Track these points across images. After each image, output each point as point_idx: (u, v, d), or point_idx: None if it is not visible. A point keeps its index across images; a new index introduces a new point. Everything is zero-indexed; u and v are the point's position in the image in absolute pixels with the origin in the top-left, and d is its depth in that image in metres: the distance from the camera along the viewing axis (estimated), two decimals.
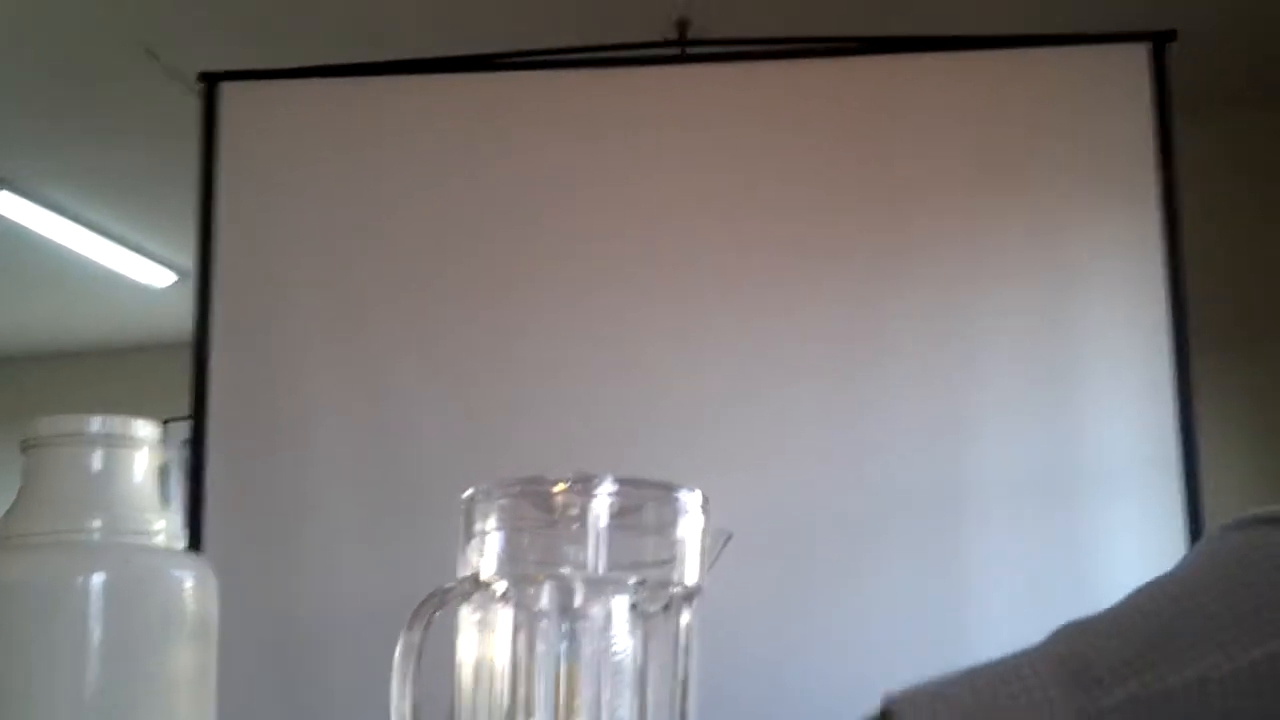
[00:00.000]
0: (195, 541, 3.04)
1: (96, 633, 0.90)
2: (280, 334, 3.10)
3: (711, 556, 1.02)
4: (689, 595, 0.99)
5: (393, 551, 2.86)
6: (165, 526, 0.97)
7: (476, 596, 0.98)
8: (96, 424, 0.96)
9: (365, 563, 2.94)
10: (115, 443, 0.96)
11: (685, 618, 0.99)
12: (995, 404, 2.96)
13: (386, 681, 0.96)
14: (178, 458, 3.69)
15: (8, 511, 0.95)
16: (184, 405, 3.11)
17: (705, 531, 1.01)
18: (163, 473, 1.00)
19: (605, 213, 3.10)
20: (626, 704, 0.96)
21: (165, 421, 3.68)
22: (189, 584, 0.95)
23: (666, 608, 0.98)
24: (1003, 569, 2.88)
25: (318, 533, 3.00)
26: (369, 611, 2.79)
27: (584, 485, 0.97)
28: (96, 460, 0.95)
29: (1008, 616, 2.81)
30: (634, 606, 0.96)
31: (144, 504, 0.96)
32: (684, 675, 0.98)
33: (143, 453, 0.98)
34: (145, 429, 0.98)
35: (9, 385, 5.65)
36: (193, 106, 3.22)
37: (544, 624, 0.97)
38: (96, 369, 5.86)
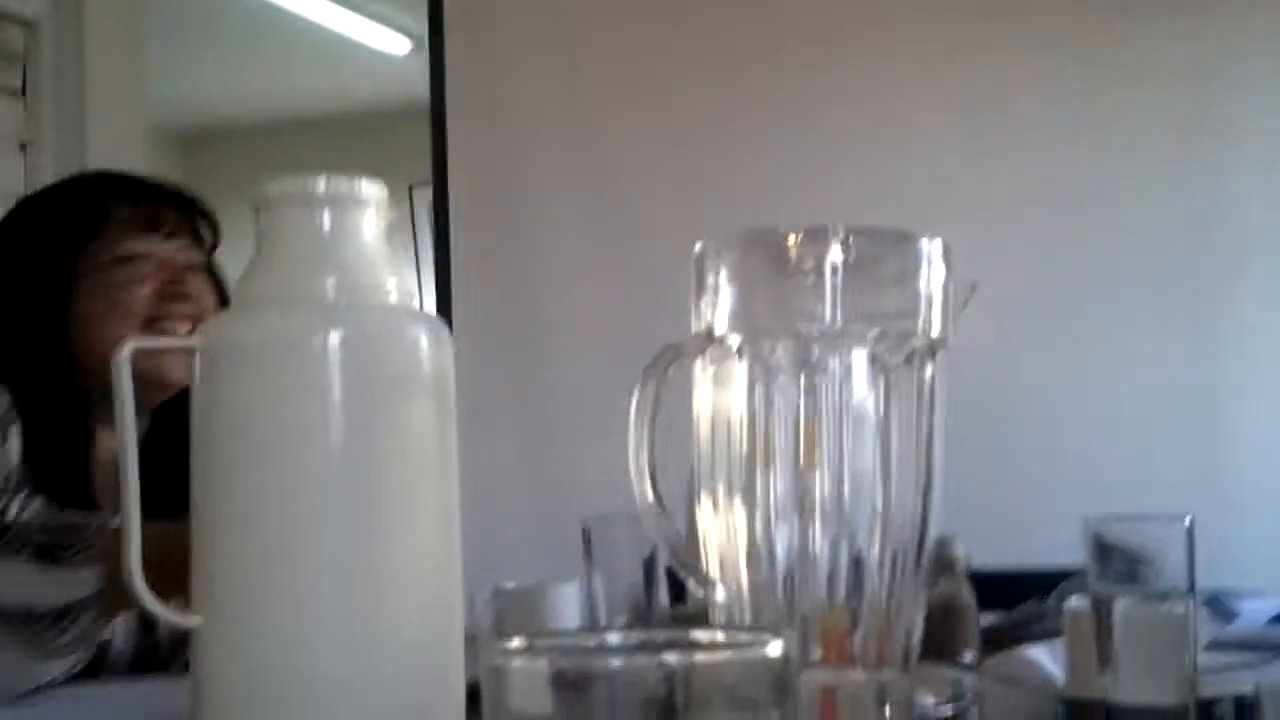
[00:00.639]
0: (444, 303, 3.11)
1: (334, 391, 0.91)
2: (509, 100, 3.09)
3: (956, 308, 0.97)
4: (932, 348, 0.95)
5: (628, 309, 2.87)
6: (398, 285, 0.96)
7: (711, 351, 0.96)
8: (322, 185, 0.95)
9: (601, 321, 2.96)
10: (342, 203, 0.95)
11: (929, 370, 0.95)
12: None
13: (625, 436, 0.96)
14: (427, 222, 3.76)
15: (242, 275, 0.96)
16: (426, 172, 3.16)
17: (948, 282, 0.96)
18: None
19: None
20: (868, 456, 0.93)
21: (410, 187, 3.77)
22: (424, 341, 0.95)
23: (909, 360, 0.94)
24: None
25: (555, 291, 3.03)
26: (608, 369, 2.82)
27: (818, 235, 0.93)
28: (325, 220, 0.95)
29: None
30: (874, 359, 0.93)
31: (375, 263, 0.96)
32: (928, 429, 0.95)
33: (370, 212, 0.97)
34: (371, 189, 0.97)
35: (248, 156, 5.81)
36: None
37: (781, 378, 0.94)
38: (335, 137, 5.98)
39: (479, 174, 3.15)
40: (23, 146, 3.09)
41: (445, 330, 0.97)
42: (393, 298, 0.96)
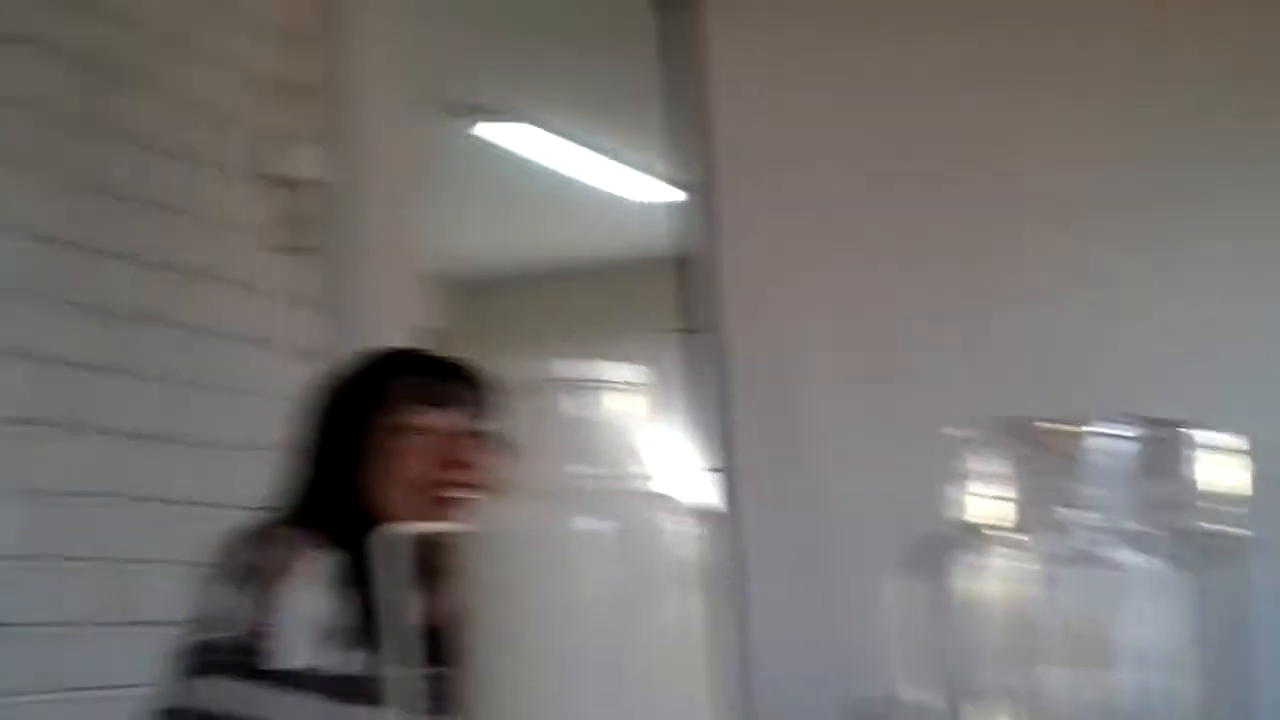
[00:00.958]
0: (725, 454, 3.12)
1: (594, 581, 0.91)
2: (776, 250, 3.12)
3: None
4: (1232, 547, 0.89)
5: (895, 486, 2.83)
6: (653, 471, 0.97)
7: (976, 540, 0.93)
8: (578, 370, 0.96)
9: (870, 495, 2.93)
10: (609, 388, 0.97)
11: (1230, 573, 0.89)
12: None
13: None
14: (682, 367, 3.79)
15: (513, 459, 0.98)
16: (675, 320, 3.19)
17: (1253, 477, 0.90)
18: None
19: None
20: (1160, 659, 0.88)
21: (674, 333, 3.75)
22: (684, 531, 0.95)
23: (1203, 558, 0.88)
24: None
25: (824, 454, 3.01)
26: (875, 542, 2.79)
27: (1088, 424, 0.89)
28: (590, 406, 0.96)
29: None
30: (1174, 558, 0.88)
31: (631, 448, 0.97)
32: (1243, 633, 0.88)
33: (636, 398, 0.98)
34: (637, 373, 0.98)
35: (519, 304, 5.97)
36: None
37: (1051, 569, 0.90)
38: (602, 285, 6.11)
39: (751, 323, 3.17)
40: (307, 303, 3.24)
41: (697, 518, 0.97)
42: (649, 484, 0.96)
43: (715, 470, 3.16)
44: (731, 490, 3.12)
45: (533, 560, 0.93)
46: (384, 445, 1.74)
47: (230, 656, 1.52)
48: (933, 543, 0.94)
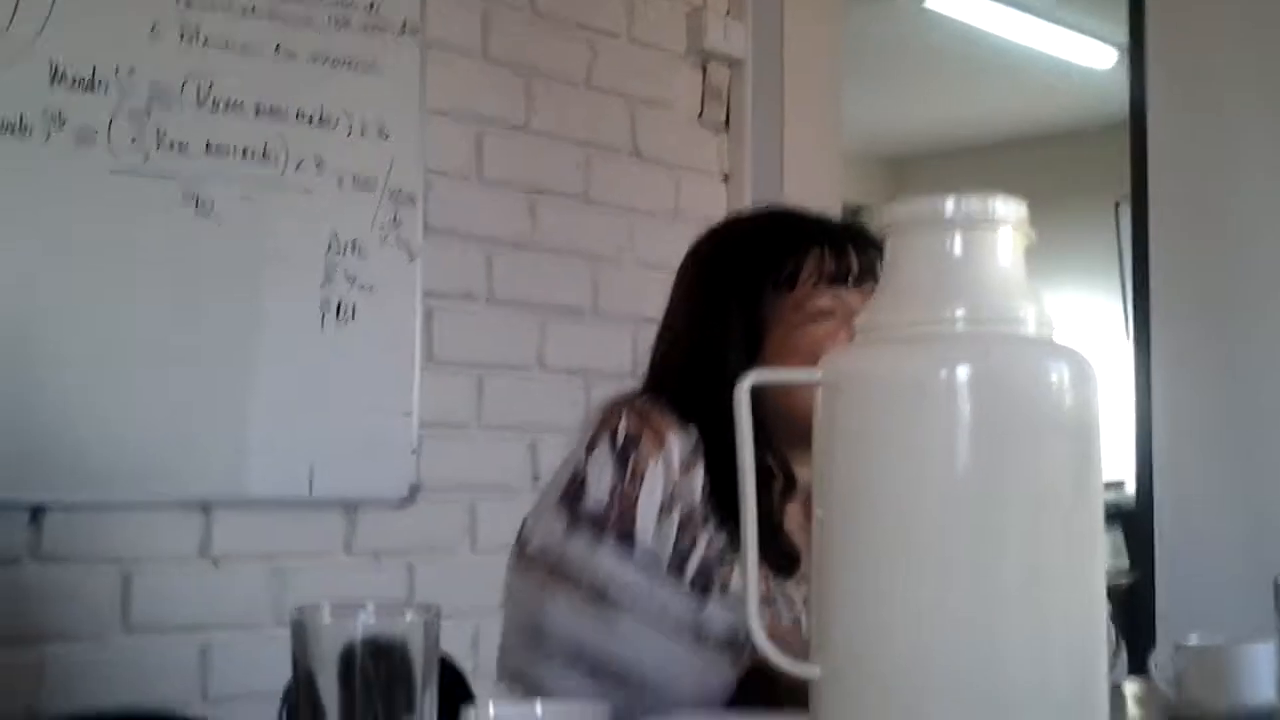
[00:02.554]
0: (1143, 325, 2.94)
1: (960, 430, 0.83)
2: (1214, 108, 2.86)
3: None
4: None
5: None
6: (1037, 314, 0.87)
7: None
8: (951, 206, 0.88)
9: None
10: (975, 225, 0.88)
11: None
12: None
13: None
14: (1126, 239, 3.58)
15: (869, 303, 0.91)
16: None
17: None
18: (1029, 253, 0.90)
19: None
20: None
21: (1116, 204, 3.59)
22: (1063, 377, 0.85)
23: None
24: None
25: (1260, 311, 2.77)
26: None
27: None
28: (955, 245, 0.88)
29: None
30: None
31: (1009, 290, 0.87)
32: None
33: (1006, 234, 0.88)
34: (1008, 208, 0.88)
35: (947, 178, 5.79)
36: None
37: None
38: (1037, 155, 5.84)
39: (1182, 188, 2.93)
40: (725, 178, 3.24)
41: (1089, 365, 0.87)
42: (1029, 328, 0.87)
43: (1137, 341, 2.96)
44: (1146, 359, 2.92)
45: (901, 407, 0.85)
46: (787, 329, 1.59)
47: (606, 530, 1.49)
48: None
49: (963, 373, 0.84)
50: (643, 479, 1.51)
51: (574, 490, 1.51)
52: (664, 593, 1.45)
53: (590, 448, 1.53)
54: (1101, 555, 0.86)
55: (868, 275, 1.61)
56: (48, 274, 2.26)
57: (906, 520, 0.84)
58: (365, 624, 0.80)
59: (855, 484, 0.87)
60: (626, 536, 1.48)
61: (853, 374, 0.88)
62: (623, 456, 1.52)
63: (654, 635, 1.41)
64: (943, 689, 0.82)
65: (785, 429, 1.49)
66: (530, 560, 1.49)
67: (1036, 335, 0.88)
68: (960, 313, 0.86)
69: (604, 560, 1.45)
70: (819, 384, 0.90)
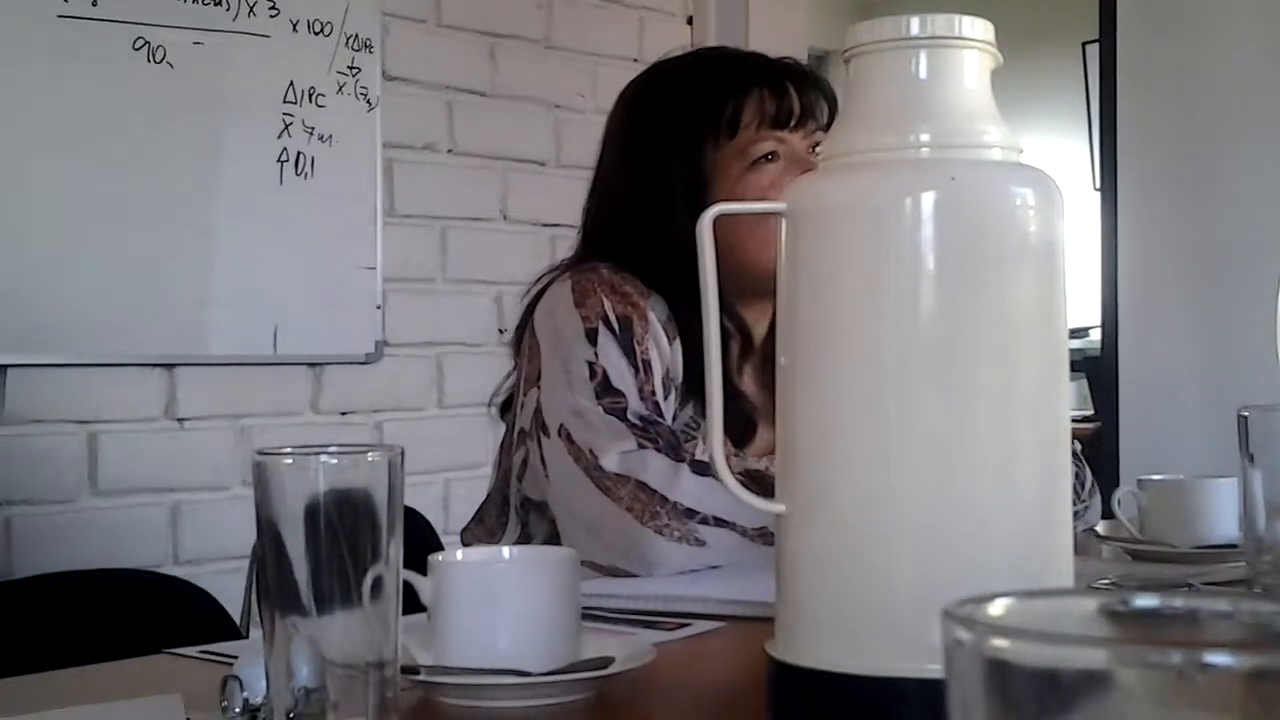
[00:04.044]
0: (1109, 166, 2.92)
1: (926, 255, 0.81)
2: None
3: None
4: None
5: None
6: (1001, 138, 0.85)
7: None
8: (916, 25, 0.85)
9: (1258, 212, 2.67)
10: (941, 45, 0.85)
11: None
12: None
13: None
14: (1095, 82, 3.54)
15: (831, 129, 0.88)
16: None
17: None
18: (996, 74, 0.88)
19: None
20: None
21: (1083, 45, 3.55)
22: (1026, 201, 0.83)
23: None
24: None
25: (1224, 151, 2.75)
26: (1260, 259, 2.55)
27: None
28: (921, 66, 0.85)
29: None
30: None
31: (975, 113, 0.85)
32: None
33: (973, 55, 0.86)
34: (975, 28, 0.86)
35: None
36: None
37: None
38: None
39: (1150, 29, 2.89)
40: (689, 20, 3.18)
41: (1055, 188, 0.85)
42: (995, 153, 0.85)
43: (1103, 186, 2.94)
44: (1113, 206, 2.90)
45: (866, 234, 0.83)
46: (726, 174, 1.54)
47: (661, 447, 1.42)
48: None
49: (928, 199, 0.82)
50: (650, 369, 1.47)
51: (610, 395, 1.44)
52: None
53: (591, 339, 1.46)
54: (1065, 379, 0.85)
55: (809, 117, 1.56)
56: None
57: (873, 347, 0.83)
58: (326, 464, 0.79)
59: (821, 314, 0.85)
60: (675, 449, 1.43)
61: (816, 203, 0.86)
62: (627, 348, 1.46)
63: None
64: (908, 517, 0.81)
65: (738, 284, 1.46)
66: (615, 479, 1.40)
67: (1003, 159, 0.86)
68: (925, 137, 0.84)
69: (686, 486, 1.39)
70: (782, 215, 0.87)
